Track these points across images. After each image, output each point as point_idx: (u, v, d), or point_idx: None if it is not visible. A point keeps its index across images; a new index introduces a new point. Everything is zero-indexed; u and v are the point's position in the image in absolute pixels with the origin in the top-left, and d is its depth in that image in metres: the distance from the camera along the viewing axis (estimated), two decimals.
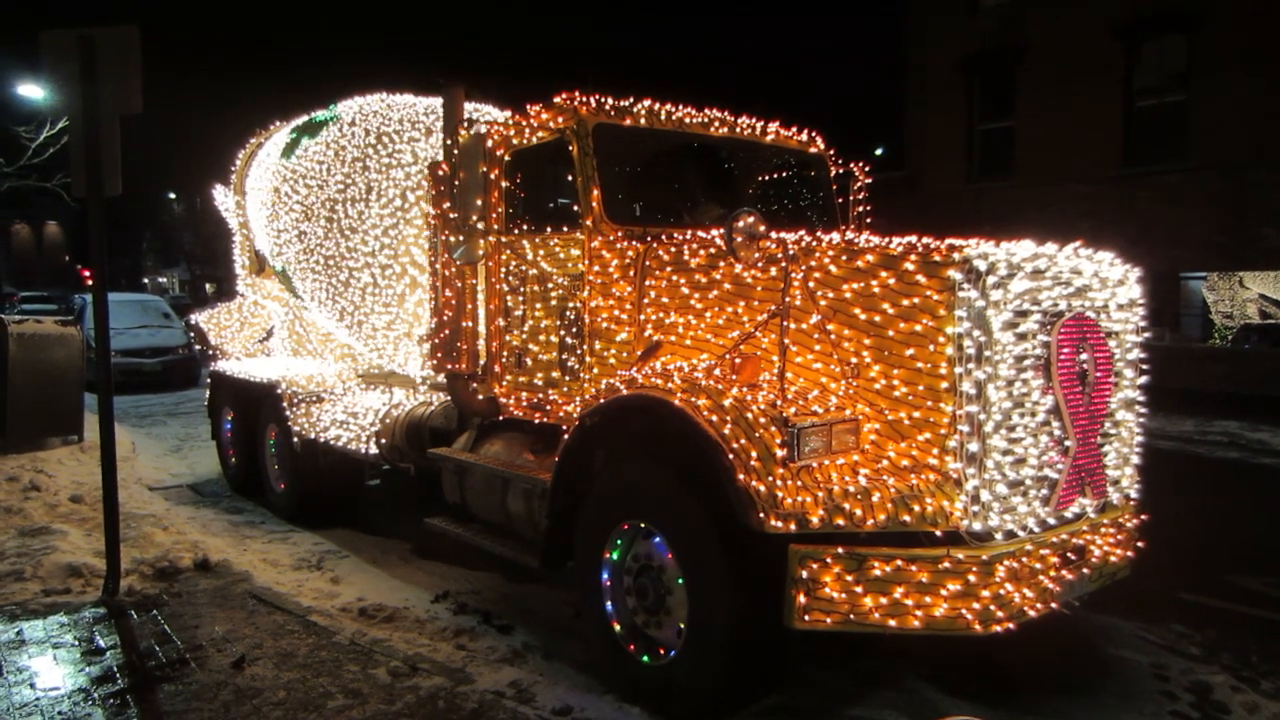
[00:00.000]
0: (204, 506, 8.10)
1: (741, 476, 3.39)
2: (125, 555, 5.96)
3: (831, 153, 5.76)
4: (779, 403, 3.47)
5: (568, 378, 4.79)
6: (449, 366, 5.39)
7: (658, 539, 3.88)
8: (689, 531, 3.66)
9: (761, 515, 3.33)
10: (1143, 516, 4.17)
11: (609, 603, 4.14)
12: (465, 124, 4.69)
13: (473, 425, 5.69)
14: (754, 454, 3.40)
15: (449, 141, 5.33)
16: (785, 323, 3.48)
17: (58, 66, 4.94)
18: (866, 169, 5.90)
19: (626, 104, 4.85)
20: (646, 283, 4.39)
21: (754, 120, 5.36)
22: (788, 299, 3.50)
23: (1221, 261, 16.60)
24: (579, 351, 4.70)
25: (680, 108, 5.06)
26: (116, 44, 4.96)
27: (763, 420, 3.44)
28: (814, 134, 5.67)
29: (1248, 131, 15.67)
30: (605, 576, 4.15)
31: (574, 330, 4.73)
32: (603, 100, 4.78)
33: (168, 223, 51.75)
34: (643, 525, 3.94)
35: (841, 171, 5.77)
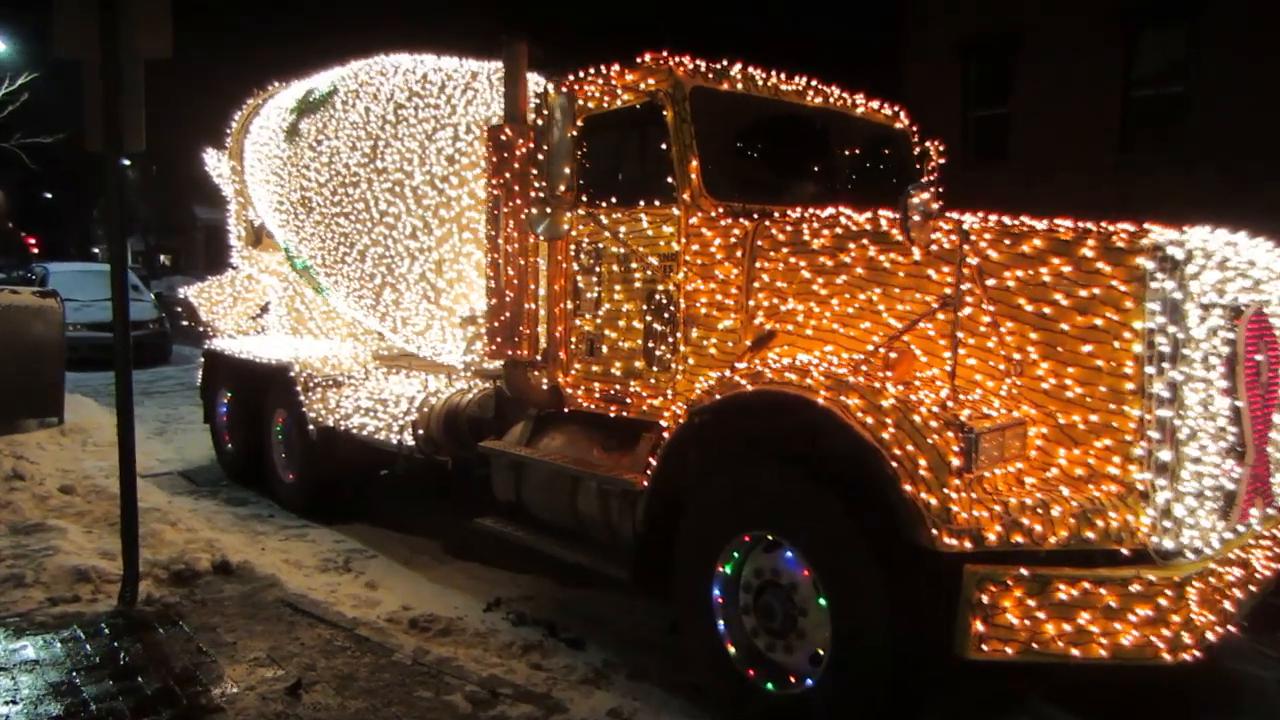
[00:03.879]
0: (203, 497, 7.48)
1: (908, 487, 2.98)
2: None
3: (915, 129, 5.35)
4: (949, 404, 3.06)
5: (655, 368, 4.32)
6: (509, 353, 4.89)
7: (788, 553, 3.46)
8: (835, 547, 3.24)
9: (933, 531, 2.93)
10: None
11: (720, 621, 3.71)
12: (555, 84, 4.17)
13: (528, 417, 5.20)
14: (922, 462, 2.99)
15: (510, 103, 4.83)
16: (958, 313, 3.07)
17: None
18: (941, 149, 5.51)
19: (722, 66, 4.38)
20: (757, 265, 3.94)
21: (841, 90, 4.92)
22: (962, 287, 3.08)
23: None
24: (670, 340, 4.24)
25: (773, 73, 4.59)
26: None
27: (934, 424, 3.03)
28: (898, 108, 5.25)
29: (1247, 123, 15.63)
30: (716, 592, 3.72)
31: (664, 316, 4.27)
32: (697, 61, 4.30)
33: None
34: (770, 537, 3.52)
35: (919, 150, 5.37)
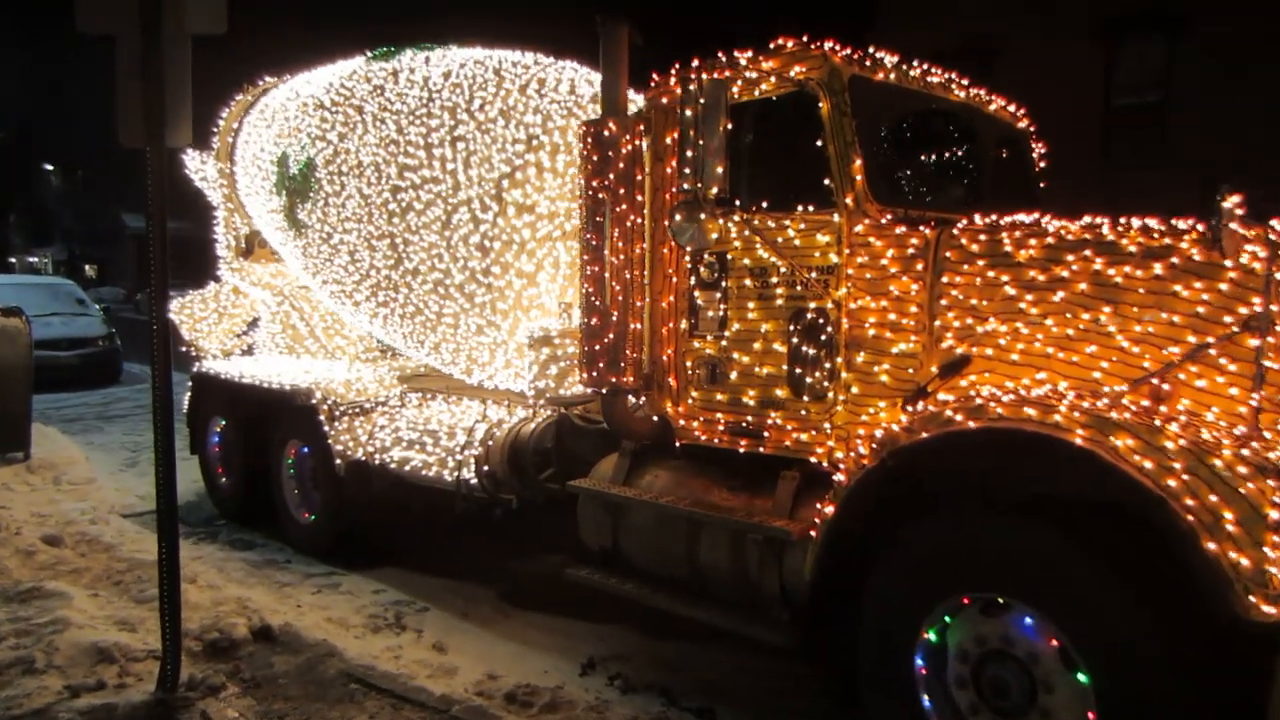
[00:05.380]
0: (202, 541, 6.63)
1: (1211, 545, 2.49)
2: (155, 618, 4.60)
3: (1033, 130, 4.92)
4: (1253, 444, 2.58)
5: (805, 398, 3.76)
6: (612, 379, 4.28)
7: (1026, 619, 2.93)
8: (1102, 614, 2.72)
9: (1247, 598, 2.44)
10: None
11: (925, 696, 3.16)
12: (690, 73, 3.58)
13: (622, 451, 4.58)
14: (1229, 514, 2.50)
15: (610, 95, 4.24)
16: (1264, 337, 2.59)
17: None
18: (1044, 152, 5.10)
19: (873, 54, 3.86)
20: (944, 279, 3.42)
21: (971, 84, 4.46)
22: (1271, 306, 2.61)
23: None
24: (827, 365, 3.69)
25: (918, 64, 4.10)
26: None
27: (1242, 469, 2.55)
28: (1019, 108, 4.81)
29: (1228, 135, 15.85)
30: (919, 662, 3.17)
31: (818, 337, 3.71)
32: (851, 48, 3.78)
33: (42, 197, 46.98)
34: (1000, 600, 2.99)
35: (1037, 152, 4.95)
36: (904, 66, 3.95)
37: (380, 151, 5.75)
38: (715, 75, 3.40)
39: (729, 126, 3.43)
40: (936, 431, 3.06)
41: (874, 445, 3.26)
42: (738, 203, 3.59)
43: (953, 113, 4.18)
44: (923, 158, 4.07)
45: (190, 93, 3.69)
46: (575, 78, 5.40)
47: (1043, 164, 4.93)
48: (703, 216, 3.39)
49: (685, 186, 3.40)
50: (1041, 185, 4.85)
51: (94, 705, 3.73)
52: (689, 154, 3.40)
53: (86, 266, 48.05)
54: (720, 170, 3.40)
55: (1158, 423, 2.69)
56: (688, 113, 3.39)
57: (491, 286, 5.11)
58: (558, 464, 5.24)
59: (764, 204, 3.74)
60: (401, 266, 5.68)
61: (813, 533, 3.45)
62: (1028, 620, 2.93)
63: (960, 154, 4.19)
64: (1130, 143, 16.97)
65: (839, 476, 3.39)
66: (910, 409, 3.38)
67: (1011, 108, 4.69)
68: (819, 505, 3.47)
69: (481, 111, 5.21)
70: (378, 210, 5.78)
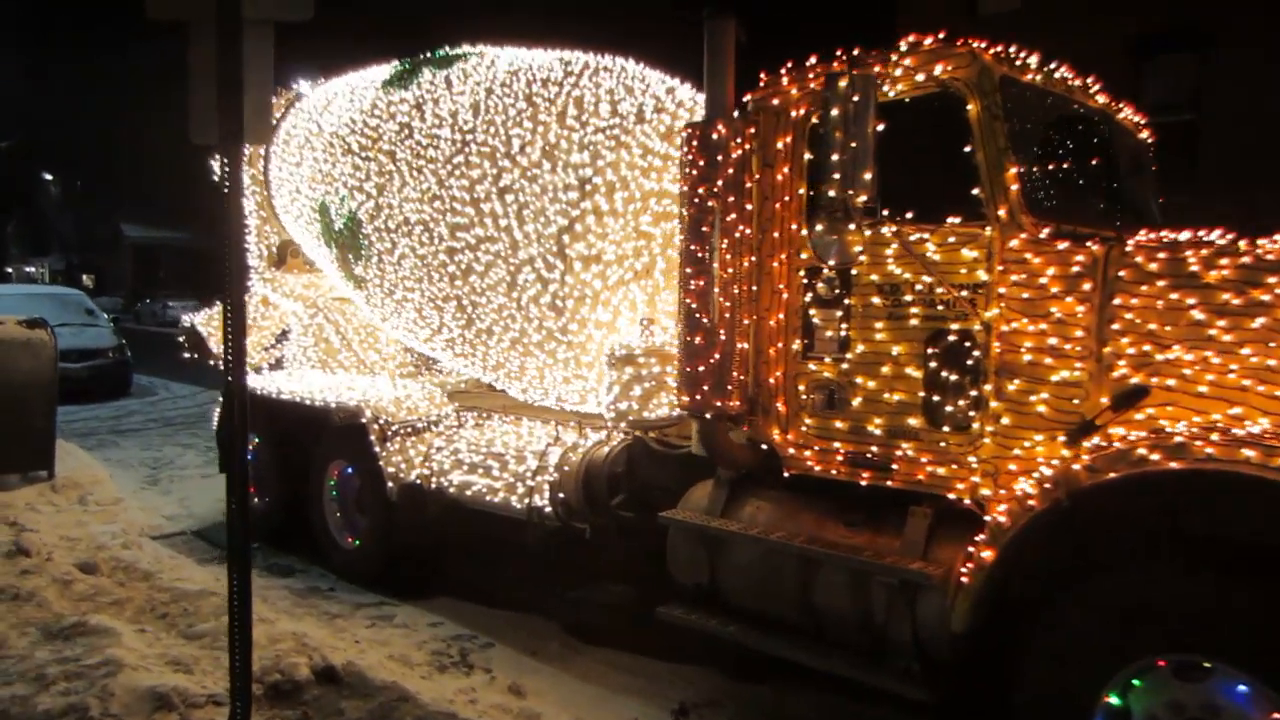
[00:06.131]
0: None
1: None
2: (209, 657, 4.25)
3: (1153, 141, 4.62)
4: None
5: (945, 427, 3.43)
6: (717, 404, 3.94)
7: (1240, 686, 2.60)
8: None
9: None
10: None
11: None
12: (836, 69, 3.28)
13: (719, 480, 4.24)
14: None
15: (717, 95, 3.94)
16: None
17: None
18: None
19: (1017, 53, 3.56)
20: (1115, 301, 3.10)
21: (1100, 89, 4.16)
22: None
23: None
24: (972, 393, 3.36)
25: (1055, 64, 3.80)
26: None
27: None
28: (1142, 117, 4.51)
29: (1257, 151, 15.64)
30: None
31: (961, 362, 3.38)
32: (996, 46, 3.48)
33: (41, 206, 46.55)
34: (1206, 665, 2.66)
35: (1155, 165, 4.65)
36: (1048, 67, 3.66)
37: (426, 208, 5.46)
38: (864, 73, 3.07)
39: (879, 128, 3.11)
40: (1127, 471, 2.74)
41: (1046, 484, 2.93)
42: (885, 213, 3.25)
43: (1092, 119, 3.88)
44: (1066, 167, 3.75)
45: (272, 86, 3.36)
46: (612, 87, 5.01)
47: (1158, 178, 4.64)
48: (852, 227, 3.06)
49: (831, 194, 3.08)
50: (1160, 200, 4.55)
51: None
52: (836, 158, 3.07)
53: (84, 276, 47.63)
54: (869, 177, 3.08)
55: None
56: (834, 112, 3.07)
57: (572, 344, 4.87)
58: (627, 490, 4.91)
59: (908, 215, 3.41)
60: (474, 326, 5.41)
61: (964, 578, 3.12)
62: (1241, 688, 2.59)
63: (1100, 164, 3.88)
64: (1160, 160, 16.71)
65: (999, 518, 3.06)
66: (1076, 444, 3.06)
67: (1136, 117, 4.39)
68: (969, 548, 3.14)
69: (523, 155, 4.93)
70: (437, 272, 5.50)
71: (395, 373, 7.50)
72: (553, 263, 4.80)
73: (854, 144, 3.04)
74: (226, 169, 3.24)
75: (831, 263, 3.24)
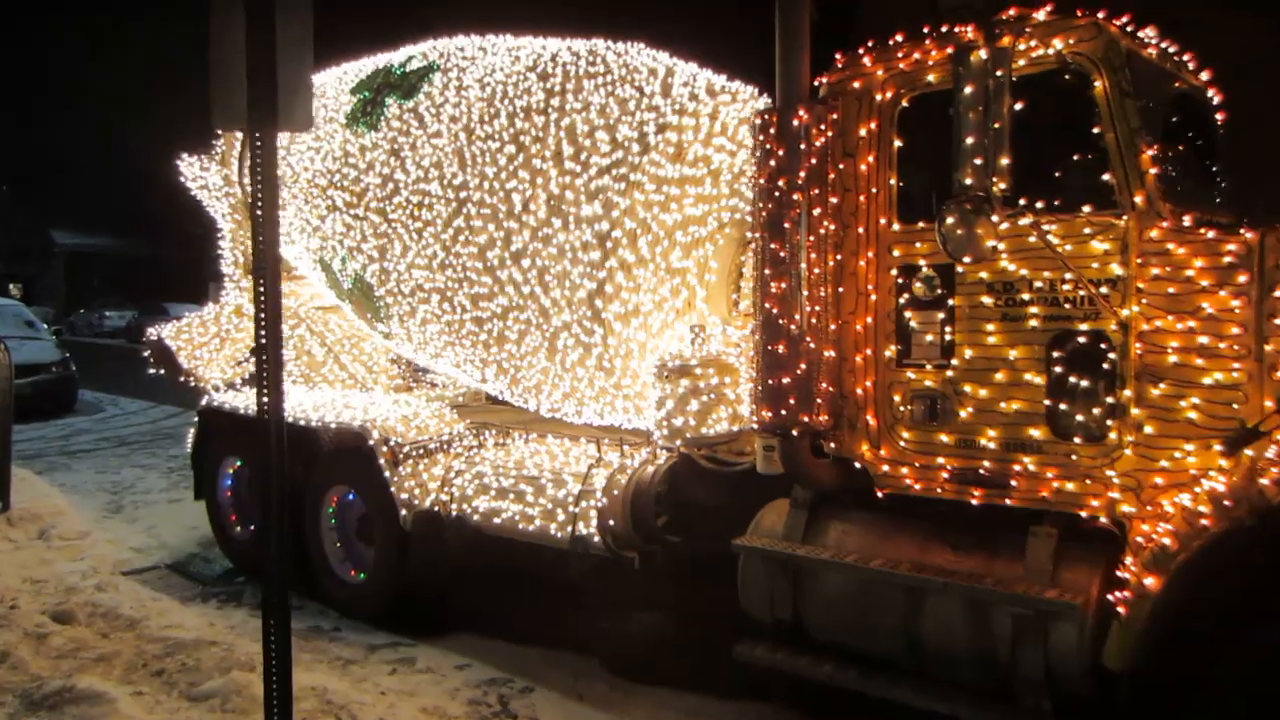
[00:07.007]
0: (227, 604, 5.65)
1: None
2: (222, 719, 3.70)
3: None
4: None
5: (1077, 439, 3.09)
6: (804, 419, 3.54)
7: None
8: None
9: None
10: None
11: None
12: (963, 40, 2.89)
13: (797, 502, 3.84)
14: None
15: (793, 77, 3.55)
16: None
17: None
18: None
19: (1134, 26, 3.24)
20: (1276, 294, 2.79)
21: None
22: None
23: None
24: (1108, 399, 3.02)
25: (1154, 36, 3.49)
26: None
27: None
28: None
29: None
30: None
31: (1093, 365, 3.05)
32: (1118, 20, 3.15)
33: None
34: None
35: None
36: (1164, 42, 3.35)
37: (438, 277, 5.03)
38: (1000, 45, 2.71)
39: (1012, 107, 2.75)
40: None
41: (1223, 502, 2.60)
42: (1021, 203, 2.89)
43: (1196, 97, 3.59)
44: (1183, 149, 3.45)
45: (311, 65, 2.86)
46: (603, 103, 4.51)
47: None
48: (995, 218, 2.69)
49: (967, 182, 2.70)
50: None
51: None
52: (970, 142, 2.70)
53: (12, 286, 45.30)
54: (1006, 162, 2.72)
55: None
56: (967, 90, 2.70)
57: (628, 395, 4.53)
58: (670, 512, 4.50)
59: (1037, 205, 3.06)
60: (520, 385, 4.99)
61: (1122, 609, 2.78)
62: None
63: (1207, 145, 3.60)
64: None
65: (1162, 539, 2.72)
66: (1235, 454, 2.74)
67: (1217, 98, 4.12)
68: (1123, 573, 2.80)
69: (528, 213, 4.52)
70: (467, 339, 5.06)
71: (389, 387, 6.98)
72: (590, 328, 4.43)
73: (995, 125, 2.67)
74: (259, 160, 2.73)
75: (964, 258, 2.86)
